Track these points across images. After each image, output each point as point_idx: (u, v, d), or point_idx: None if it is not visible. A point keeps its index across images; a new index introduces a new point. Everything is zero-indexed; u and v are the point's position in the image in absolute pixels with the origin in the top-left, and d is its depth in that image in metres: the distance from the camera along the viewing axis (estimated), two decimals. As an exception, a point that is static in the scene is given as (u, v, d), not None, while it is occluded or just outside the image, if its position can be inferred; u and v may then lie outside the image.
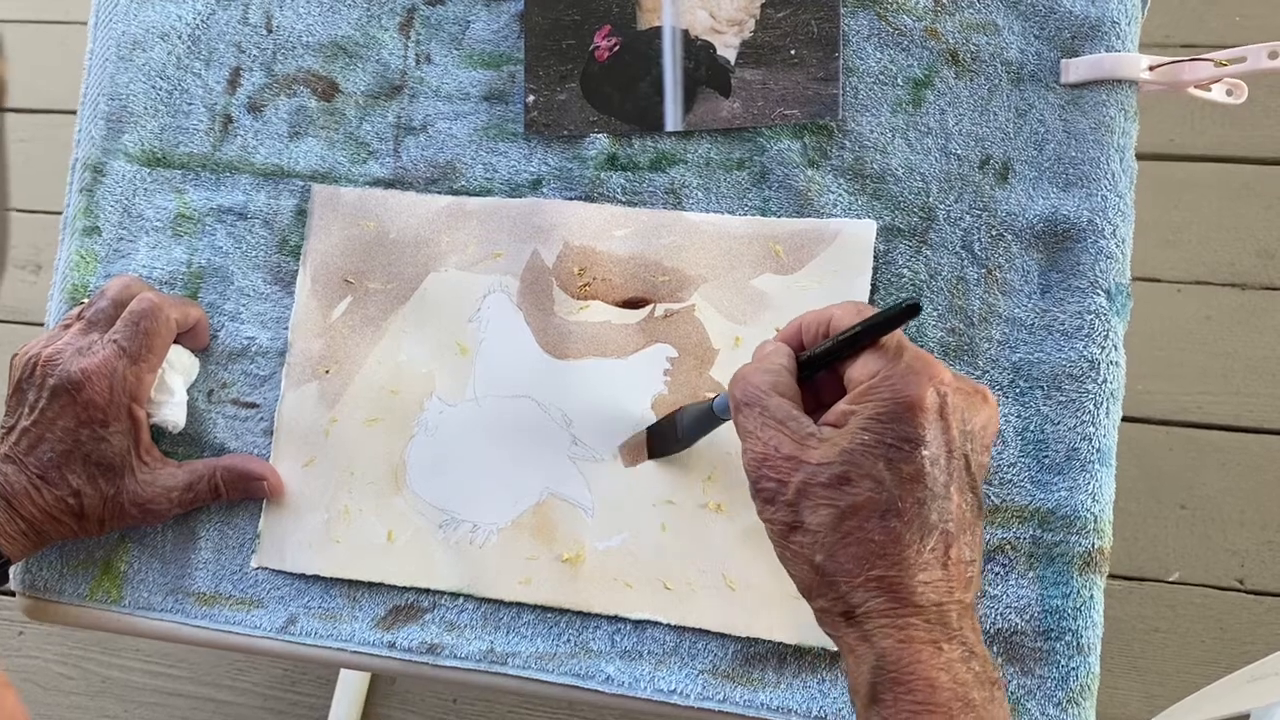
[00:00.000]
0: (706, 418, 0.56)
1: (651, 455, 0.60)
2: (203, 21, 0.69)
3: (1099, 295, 0.57)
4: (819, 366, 0.48)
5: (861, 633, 0.44)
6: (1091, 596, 0.55)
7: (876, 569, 0.43)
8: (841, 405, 0.45)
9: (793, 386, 0.48)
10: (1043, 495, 0.56)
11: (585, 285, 0.62)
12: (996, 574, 0.56)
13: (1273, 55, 0.56)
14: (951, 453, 0.44)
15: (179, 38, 0.69)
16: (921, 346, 0.58)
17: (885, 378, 0.44)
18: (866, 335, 0.46)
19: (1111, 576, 1.09)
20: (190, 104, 0.69)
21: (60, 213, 0.70)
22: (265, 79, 0.68)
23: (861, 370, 0.45)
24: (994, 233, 0.59)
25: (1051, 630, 0.55)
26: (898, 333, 0.45)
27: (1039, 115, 0.59)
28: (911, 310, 0.44)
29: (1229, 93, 0.61)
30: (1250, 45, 0.58)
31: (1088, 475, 0.56)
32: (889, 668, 0.43)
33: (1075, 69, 0.59)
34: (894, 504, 0.43)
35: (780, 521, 0.46)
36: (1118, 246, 0.57)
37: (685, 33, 0.64)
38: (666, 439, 0.59)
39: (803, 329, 0.49)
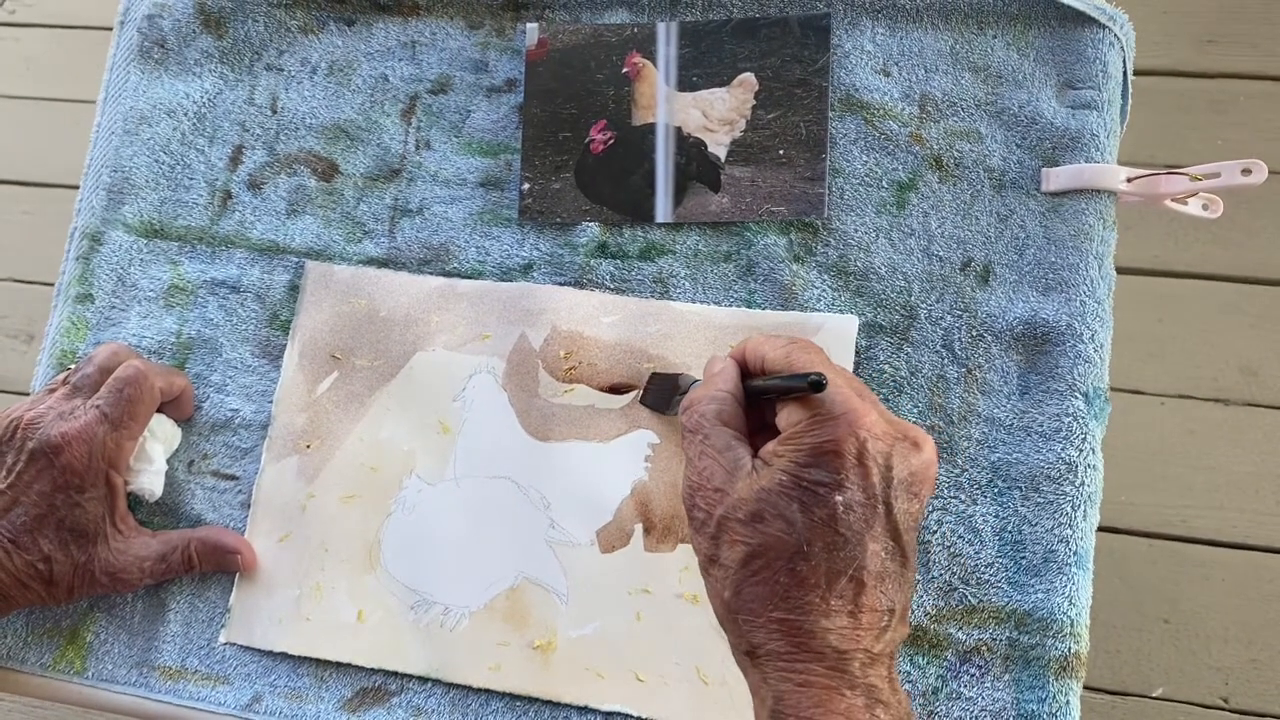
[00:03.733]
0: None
1: (642, 401, 0.61)
2: (209, 100, 0.71)
3: (1077, 398, 0.58)
4: (754, 400, 0.49)
5: (762, 674, 0.43)
6: (1068, 702, 0.54)
7: (778, 610, 0.43)
8: (772, 445, 0.45)
9: (737, 414, 0.48)
10: (1020, 597, 0.56)
11: (571, 369, 0.63)
12: (972, 675, 0.56)
13: (1245, 172, 0.58)
14: (870, 499, 0.43)
15: (185, 115, 0.71)
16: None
17: (808, 425, 0.44)
18: (775, 394, 0.46)
19: (1095, 690, 1.08)
20: (191, 179, 0.70)
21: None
22: (267, 157, 0.70)
23: (786, 418, 0.46)
24: (974, 333, 0.60)
25: (1027, 735, 0.54)
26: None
27: (1020, 221, 0.61)
28: (815, 386, 0.44)
29: (1205, 207, 0.62)
30: (1224, 162, 0.59)
31: (1064, 578, 0.56)
32: (785, 711, 0.42)
33: (1055, 178, 0.61)
34: (802, 547, 0.43)
35: (703, 553, 0.46)
36: (1096, 351, 0.58)
37: (678, 130, 0.66)
38: (662, 396, 0.59)
39: (747, 354, 0.50)
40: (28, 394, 0.64)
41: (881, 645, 0.44)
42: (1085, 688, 0.56)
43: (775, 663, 0.43)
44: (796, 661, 0.43)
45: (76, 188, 0.71)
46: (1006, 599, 0.56)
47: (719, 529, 0.45)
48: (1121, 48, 0.62)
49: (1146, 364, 1.20)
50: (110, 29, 0.74)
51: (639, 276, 0.64)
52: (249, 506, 0.64)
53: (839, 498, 0.43)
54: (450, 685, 0.60)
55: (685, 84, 0.66)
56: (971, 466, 0.58)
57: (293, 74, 0.71)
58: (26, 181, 1.51)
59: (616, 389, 0.62)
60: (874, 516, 0.43)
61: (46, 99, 1.56)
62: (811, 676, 0.42)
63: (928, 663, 0.56)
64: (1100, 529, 0.57)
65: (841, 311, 0.62)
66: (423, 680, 0.60)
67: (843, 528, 0.43)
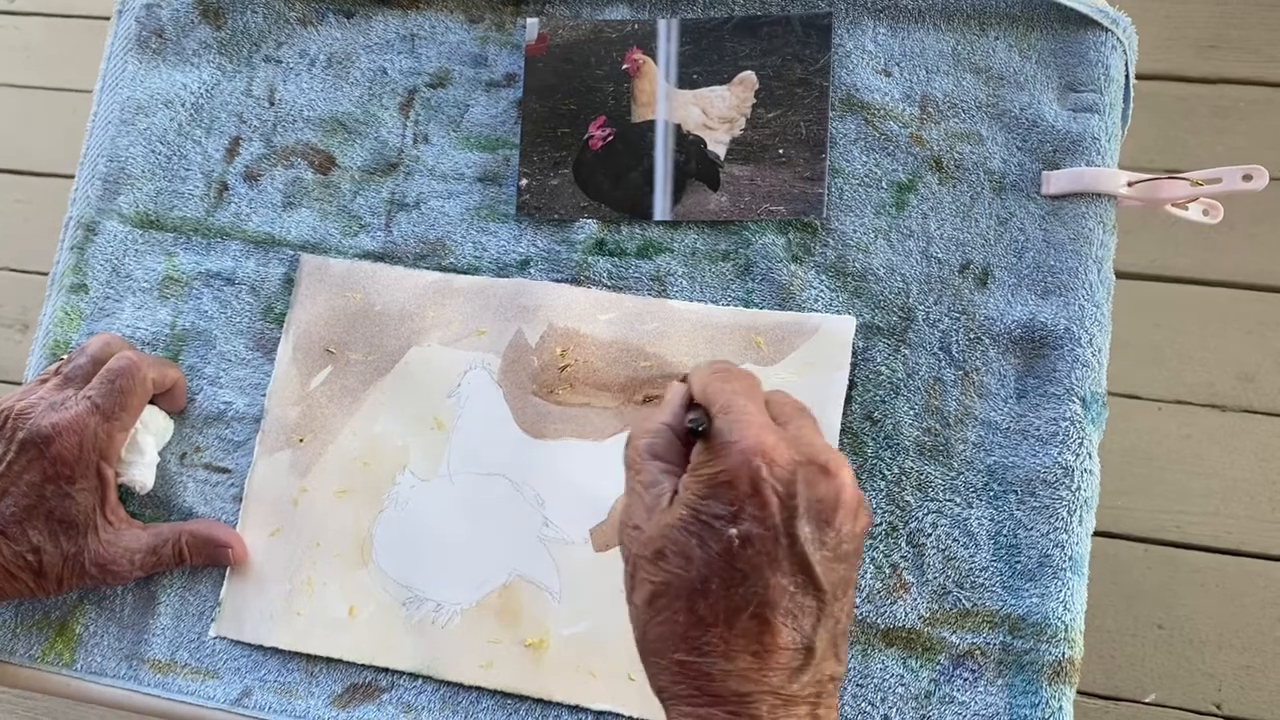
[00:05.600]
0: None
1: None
2: (207, 91, 0.70)
3: (1074, 403, 0.57)
4: None
5: (669, 717, 0.42)
6: (1061, 708, 0.54)
7: (679, 653, 0.41)
8: (684, 477, 0.44)
9: (672, 446, 0.46)
10: (1014, 601, 0.56)
11: (567, 366, 0.62)
12: (965, 680, 0.55)
13: (1246, 178, 0.58)
14: (769, 530, 0.41)
15: (182, 105, 0.70)
16: (898, 445, 0.58)
17: (705, 457, 0.43)
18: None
19: (1088, 695, 1.08)
20: (188, 170, 0.70)
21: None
22: (264, 149, 0.69)
23: (695, 450, 0.44)
24: (972, 336, 0.60)
25: (1019, 741, 0.54)
26: (729, 410, 0.44)
27: (1020, 224, 0.61)
28: (691, 432, 0.44)
29: (1205, 213, 0.62)
30: (1225, 167, 0.59)
31: (1059, 583, 0.55)
32: None
33: (1056, 181, 0.60)
34: (699, 584, 0.41)
35: (627, 593, 0.45)
36: (1094, 355, 0.58)
37: (678, 127, 0.65)
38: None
39: (689, 382, 0.48)
40: (22, 383, 0.64)
41: (798, 686, 0.41)
42: (1078, 693, 0.55)
43: (680, 707, 0.41)
44: (699, 706, 0.41)
45: (73, 177, 0.71)
46: (1001, 603, 0.56)
47: (634, 568, 0.44)
48: (1124, 51, 0.62)
49: (1143, 369, 1.20)
50: (109, 18, 0.73)
51: (636, 274, 0.64)
52: (241, 500, 0.64)
53: (733, 530, 0.41)
54: (441, 682, 0.59)
55: (685, 81, 0.66)
56: (967, 470, 0.58)
57: (291, 66, 0.70)
58: (23, 170, 1.51)
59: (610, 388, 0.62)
60: (775, 548, 0.41)
61: (45, 88, 1.55)
62: None
63: (920, 666, 0.56)
64: (1095, 534, 0.57)
65: (839, 312, 0.61)
66: (414, 677, 0.60)
67: (740, 562, 0.41)
